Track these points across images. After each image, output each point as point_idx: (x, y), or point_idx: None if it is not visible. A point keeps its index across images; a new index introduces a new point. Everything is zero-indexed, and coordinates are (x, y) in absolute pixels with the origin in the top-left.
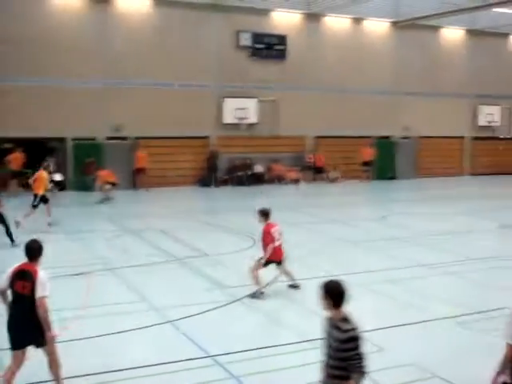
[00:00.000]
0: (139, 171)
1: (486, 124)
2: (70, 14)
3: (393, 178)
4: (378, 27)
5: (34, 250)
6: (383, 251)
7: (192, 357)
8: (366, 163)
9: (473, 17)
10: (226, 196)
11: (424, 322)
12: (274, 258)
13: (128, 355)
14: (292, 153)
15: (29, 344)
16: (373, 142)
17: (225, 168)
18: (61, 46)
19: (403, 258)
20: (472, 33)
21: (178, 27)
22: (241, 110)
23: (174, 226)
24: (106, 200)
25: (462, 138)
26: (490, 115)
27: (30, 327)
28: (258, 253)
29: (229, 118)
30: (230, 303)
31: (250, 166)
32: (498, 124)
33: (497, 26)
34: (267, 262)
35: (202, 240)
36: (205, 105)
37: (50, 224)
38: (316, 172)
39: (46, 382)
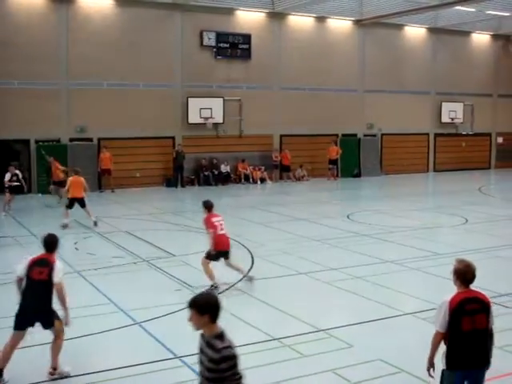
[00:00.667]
0: (104, 172)
1: (449, 121)
2: (30, 14)
3: (358, 175)
4: (341, 25)
5: (51, 243)
6: (350, 248)
7: (162, 358)
8: (331, 161)
9: (435, 15)
10: (192, 196)
11: (390, 317)
12: (221, 248)
13: (98, 357)
14: (258, 152)
15: (36, 322)
16: (338, 139)
17: (191, 168)
18: (22, 47)
19: (369, 254)
20: (434, 31)
21: (141, 27)
22: (206, 109)
23: (140, 227)
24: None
25: (425, 134)
26: (452, 112)
27: (43, 310)
28: (233, 252)
29: (194, 117)
30: None
31: (216, 166)
32: (461, 121)
33: (459, 24)
34: (216, 255)
35: (169, 241)
36: (170, 105)
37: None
38: (282, 170)
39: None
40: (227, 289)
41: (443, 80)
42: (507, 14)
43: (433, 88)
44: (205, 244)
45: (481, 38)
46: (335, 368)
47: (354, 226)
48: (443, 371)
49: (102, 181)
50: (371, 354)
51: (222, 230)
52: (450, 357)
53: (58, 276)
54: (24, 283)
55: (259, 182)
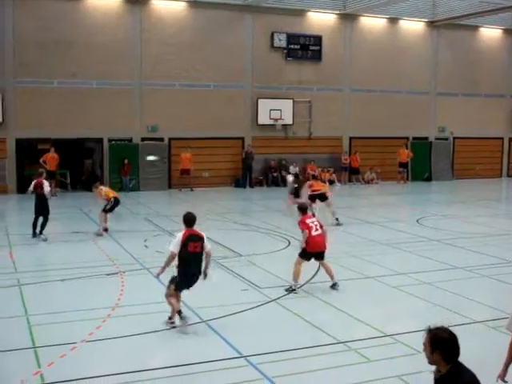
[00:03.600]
0: (183, 172)
1: None
2: (106, 15)
3: (429, 179)
4: (414, 27)
5: (193, 220)
6: (418, 253)
7: (226, 357)
8: (402, 164)
9: None
10: (260, 196)
11: (459, 325)
12: (314, 250)
13: (166, 353)
14: (327, 154)
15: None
16: (409, 142)
17: (260, 169)
18: (97, 48)
19: (439, 260)
20: (511, 32)
21: (212, 28)
22: (276, 110)
23: (207, 226)
24: None
25: (500, 138)
26: None
27: (199, 275)
28: (294, 253)
29: (264, 118)
30: (265, 303)
31: (285, 167)
32: None
33: None
34: (309, 255)
35: (237, 241)
36: (240, 106)
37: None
38: (351, 173)
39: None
40: (294, 290)
41: None
42: None
43: (508, 91)
44: (272, 244)
45: None
46: (401, 374)
47: (424, 230)
48: None
49: (178, 180)
50: None
51: (316, 230)
52: None
53: (208, 245)
54: (179, 257)
55: (328, 184)
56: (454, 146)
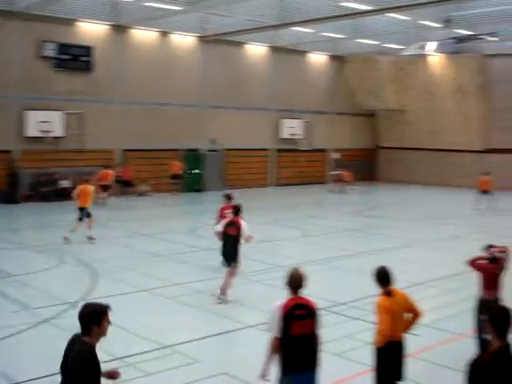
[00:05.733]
0: None
1: (289, 137)
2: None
3: (201, 190)
4: (184, 41)
5: (239, 210)
6: (193, 263)
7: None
8: (174, 176)
9: (275, 34)
10: (29, 213)
11: (234, 330)
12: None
13: None
14: (100, 166)
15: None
16: (181, 154)
17: (29, 183)
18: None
19: (213, 269)
20: (275, 50)
21: None
22: (45, 122)
23: None
24: None
25: (266, 150)
26: (291, 128)
27: (233, 254)
28: (70, 270)
29: (32, 131)
30: (37, 325)
31: (56, 181)
32: (300, 137)
33: (298, 43)
34: None
35: (5, 260)
36: (5, 117)
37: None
38: (125, 186)
39: None
40: (68, 308)
41: (283, 97)
42: (342, 36)
43: (273, 105)
44: (45, 262)
45: (318, 58)
46: None
47: (198, 240)
48: (280, 377)
49: None
50: (217, 369)
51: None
52: (283, 361)
53: (244, 231)
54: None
55: (102, 197)
56: (224, 157)
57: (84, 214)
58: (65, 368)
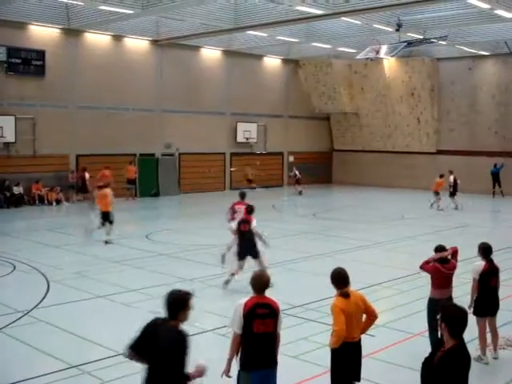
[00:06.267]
0: None
1: (244, 140)
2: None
3: (156, 194)
4: (138, 45)
5: (253, 210)
6: (148, 268)
7: None
8: (130, 181)
9: (229, 38)
10: None
11: (193, 335)
12: None
13: None
14: (54, 172)
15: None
16: (136, 159)
17: None
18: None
19: (169, 273)
20: (229, 54)
21: None
22: None
23: None
24: None
25: (222, 154)
26: (247, 132)
27: (252, 247)
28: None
29: None
30: None
31: (8, 188)
32: (255, 140)
33: (252, 47)
34: None
35: None
36: None
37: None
38: (79, 191)
39: None
40: (21, 317)
41: (238, 101)
42: (296, 40)
43: (228, 109)
44: None
45: (273, 62)
46: None
47: (153, 245)
48: (239, 372)
49: None
50: None
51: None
52: (244, 358)
53: (254, 225)
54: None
55: (55, 204)
56: (179, 162)
57: (106, 218)
58: (143, 350)
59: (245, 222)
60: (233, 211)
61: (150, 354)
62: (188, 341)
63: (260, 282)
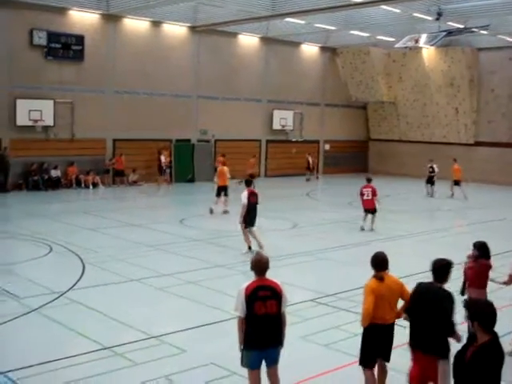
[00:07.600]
0: None
1: (280, 128)
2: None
3: (192, 180)
4: (176, 31)
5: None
6: (182, 254)
7: None
8: (167, 166)
9: (267, 25)
10: (19, 201)
11: (222, 321)
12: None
13: None
14: (90, 156)
15: None
16: (171, 145)
17: (19, 172)
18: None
19: (202, 259)
20: (266, 41)
21: None
22: (36, 111)
23: None
24: None
25: (258, 141)
26: (283, 119)
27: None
28: (58, 259)
29: (23, 119)
30: (25, 314)
31: (46, 170)
32: (291, 128)
33: (289, 34)
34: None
35: None
36: None
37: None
38: (116, 175)
39: None
40: (57, 298)
41: (274, 88)
42: (334, 28)
43: (264, 96)
44: (33, 251)
45: (310, 49)
46: (168, 374)
47: (187, 230)
48: (242, 351)
49: None
50: (204, 359)
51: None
52: (246, 338)
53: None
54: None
55: (91, 187)
56: (215, 148)
57: (222, 191)
58: (417, 311)
59: (253, 195)
60: (361, 193)
61: (423, 309)
62: (453, 296)
63: (260, 265)
